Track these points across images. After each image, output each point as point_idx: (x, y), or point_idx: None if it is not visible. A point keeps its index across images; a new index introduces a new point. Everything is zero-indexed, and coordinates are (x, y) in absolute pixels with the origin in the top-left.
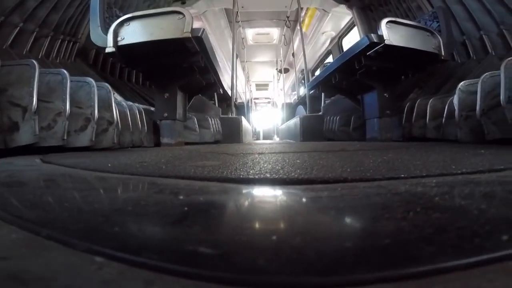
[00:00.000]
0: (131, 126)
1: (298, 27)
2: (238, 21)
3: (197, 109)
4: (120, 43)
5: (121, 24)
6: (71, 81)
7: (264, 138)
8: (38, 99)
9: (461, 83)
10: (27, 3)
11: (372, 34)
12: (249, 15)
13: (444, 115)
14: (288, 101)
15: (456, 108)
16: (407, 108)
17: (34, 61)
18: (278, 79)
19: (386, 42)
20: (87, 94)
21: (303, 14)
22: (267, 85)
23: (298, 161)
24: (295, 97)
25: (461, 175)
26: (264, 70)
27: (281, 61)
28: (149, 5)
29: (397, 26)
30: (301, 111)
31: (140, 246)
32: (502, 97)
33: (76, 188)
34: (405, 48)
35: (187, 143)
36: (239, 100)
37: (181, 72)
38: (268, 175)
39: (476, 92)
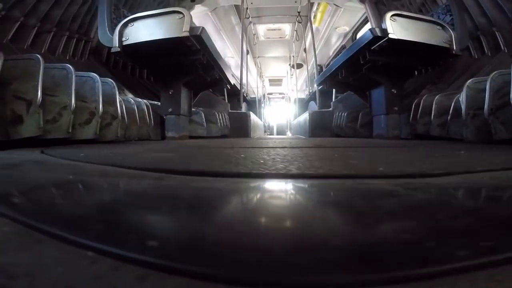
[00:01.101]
0: (138, 121)
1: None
2: (248, 17)
3: (205, 104)
4: (124, 43)
5: (125, 24)
6: (75, 76)
7: (278, 134)
8: (43, 93)
9: (469, 80)
10: None
11: (376, 28)
12: (259, 11)
13: (450, 112)
14: (301, 96)
15: (463, 106)
16: (415, 105)
17: (38, 56)
18: (291, 75)
19: (390, 36)
20: (91, 89)
21: (314, 9)
22: (280, 80)
23: (258, 156)
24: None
25: (374, 179)
26: (277, 65)
27: (293, 56)
28: (159, 4)
29: (403, 19)
30: (313, 106)
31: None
32: None
33: (45, 174)
34: (412, 42)
35: (194, 137)
36: (251, 95)
37: (184, 69)
38: (205, 167)
39: (484, 90)
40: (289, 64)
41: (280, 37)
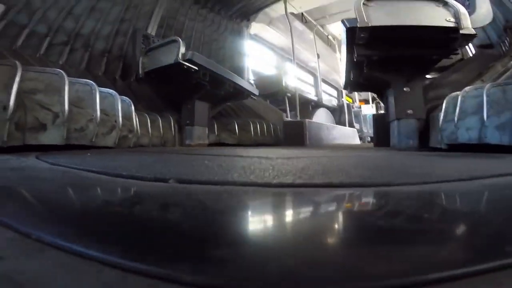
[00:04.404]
0: (150, 133)
1: None
2: (305, 22)
3: (253, 114)
4: (145, 70)
5: (145, 54)
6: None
7: None
8: (70, 104)
9: None
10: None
11: (350, 19)
12: (321, 11)
13: None
14: None
15: None
16: (447, 103)
17: (62, 71)
18: None
19: (359, 24)
20: (111, 104)
21: None
22: None
23: (205, 163)
24: None
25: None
26: None
27: None
28: (208, 25)
29: (381, 2)
30: None
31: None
32: None
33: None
34: (397, 27)
35: (223, 144)
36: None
37: (192, 88)
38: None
39: None
40: None
41: None
